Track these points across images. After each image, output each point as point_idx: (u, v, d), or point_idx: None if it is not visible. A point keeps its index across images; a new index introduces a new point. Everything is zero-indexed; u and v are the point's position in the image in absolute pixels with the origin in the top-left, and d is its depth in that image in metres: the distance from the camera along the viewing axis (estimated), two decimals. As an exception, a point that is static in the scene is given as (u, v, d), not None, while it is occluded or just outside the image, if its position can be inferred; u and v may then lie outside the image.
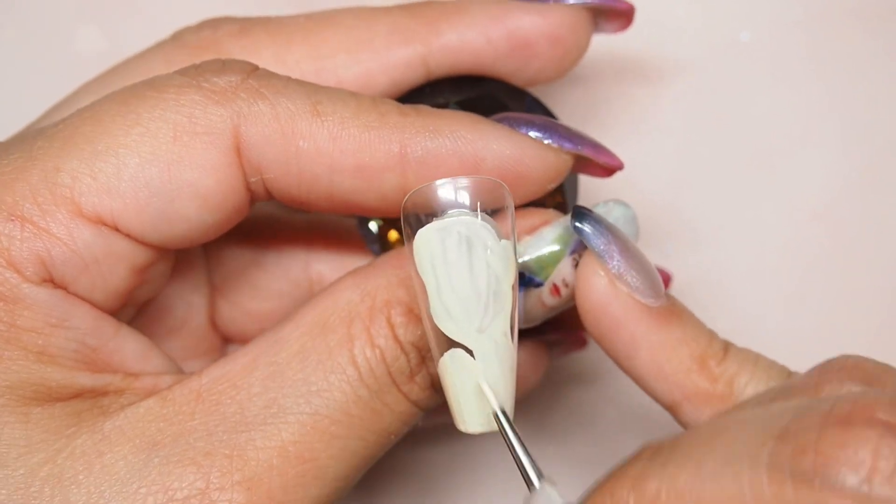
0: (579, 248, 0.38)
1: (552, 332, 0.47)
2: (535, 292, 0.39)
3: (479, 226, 0.35)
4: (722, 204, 0.53)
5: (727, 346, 0.37)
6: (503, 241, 0.35)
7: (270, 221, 0.46)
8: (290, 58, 0.41)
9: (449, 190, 0.35)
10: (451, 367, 0.35)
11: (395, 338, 0.37)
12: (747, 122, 0.53)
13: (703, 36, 0.53)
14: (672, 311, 0.37)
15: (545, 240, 0.38)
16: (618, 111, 0.53)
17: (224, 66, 0.37)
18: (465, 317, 0.35)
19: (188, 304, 0.45)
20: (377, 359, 0.37)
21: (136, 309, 0.41)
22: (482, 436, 0.37)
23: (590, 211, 0.38)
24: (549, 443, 0.52)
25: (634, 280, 0.37)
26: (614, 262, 0.37)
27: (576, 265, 0.38)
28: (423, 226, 0.35)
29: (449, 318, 0.35)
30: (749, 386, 0.37)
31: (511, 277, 0.35)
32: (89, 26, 0.53)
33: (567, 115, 0.52)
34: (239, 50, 0.41)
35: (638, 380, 0.38)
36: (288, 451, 0.36)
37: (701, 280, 0.52)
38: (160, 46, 0.42)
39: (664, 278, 0.49)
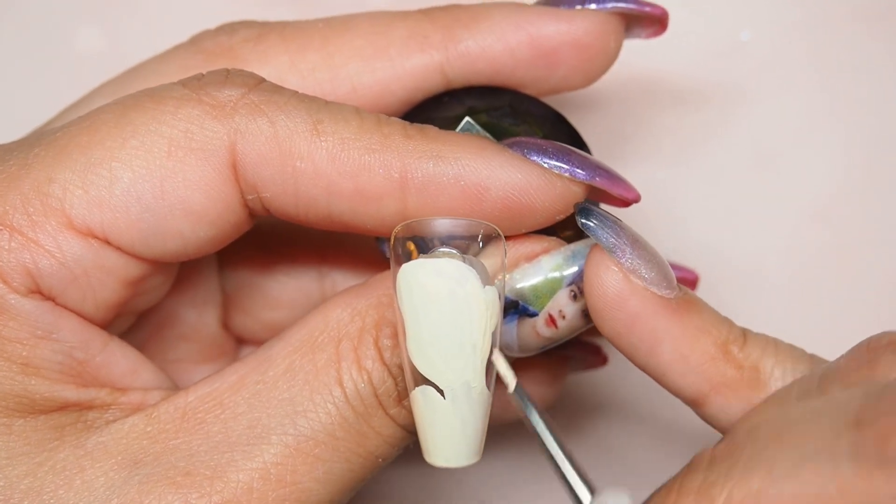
0: (577, 279, 0.37)
1: (573, 348, 0.46)
2: (528, 322, 0.38)
3: (465, 269, 0.34)
4: (721, 203, 0.52)
5: (745, 332, 0.36)
6: (487, 287, 0.35)
7: (283, 230, 0.45)
8: (305, 65, 0.40)
9: (440, 228, 0.35)
10: (421, 402, 0.35)
11: (382, 360, 0.37)
12: (747, 121, 0.52)
13: (704, 36, 0.52)
14: (688, 300, 0.36)
15: (543, 269, 0.37)
16: (615, 110, 0.52)
17: (227, 78, 0.37)
18: (440, 359, 0.34)
19: (199, 312, 0.44)
20: (364, 381, 0.36)
21: (134, 318, 0.41)
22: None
23: (595, 205, 0.37)
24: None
25: (648, 272, 0.36)
26: (627, 256, 0.36)
27: (573, 297, 0.37)
28: (410, 260, 0.34)
29: (423, 357, 0.35)
30: (775, 369, 0.36)
31: (493, 324, 0.35)
32: (89, 26, 0.53)
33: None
34: (254, 56, 0.40)
35: (661, 376, 0.36)
36: (269, 474, 0.35)
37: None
38: (177, 50, 0.41)
39: (692, 279, 0.48)
